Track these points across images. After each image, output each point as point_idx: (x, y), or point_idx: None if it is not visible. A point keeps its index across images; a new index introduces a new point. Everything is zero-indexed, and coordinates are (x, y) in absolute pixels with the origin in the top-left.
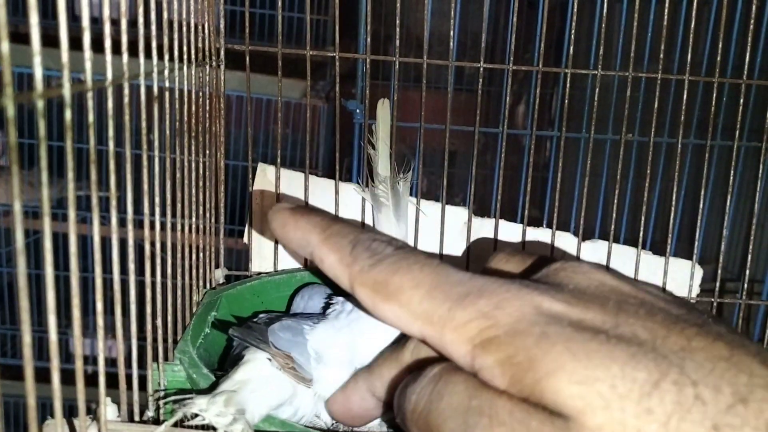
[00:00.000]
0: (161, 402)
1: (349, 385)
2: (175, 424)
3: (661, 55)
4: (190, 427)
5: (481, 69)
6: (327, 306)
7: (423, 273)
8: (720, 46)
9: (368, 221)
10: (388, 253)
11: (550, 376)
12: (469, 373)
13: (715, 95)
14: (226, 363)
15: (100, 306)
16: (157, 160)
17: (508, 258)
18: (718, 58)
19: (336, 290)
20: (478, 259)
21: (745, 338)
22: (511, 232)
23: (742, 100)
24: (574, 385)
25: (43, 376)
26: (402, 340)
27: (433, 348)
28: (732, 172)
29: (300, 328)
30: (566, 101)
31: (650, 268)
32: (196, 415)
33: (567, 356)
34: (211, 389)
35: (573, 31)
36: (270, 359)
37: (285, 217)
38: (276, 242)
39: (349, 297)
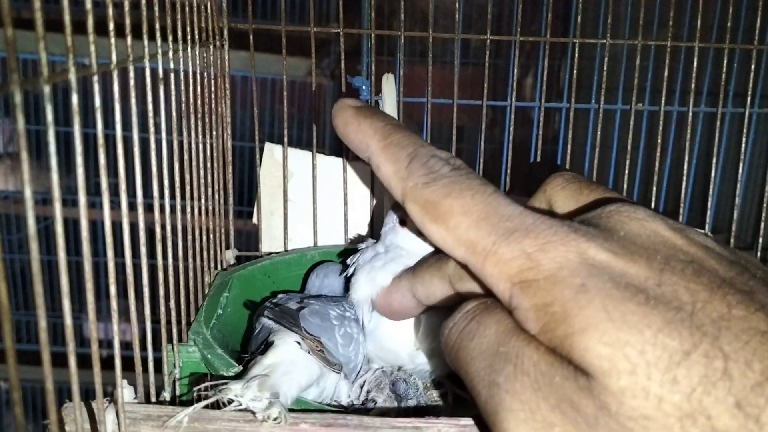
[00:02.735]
0: (195, 388)
1: (393, 283)
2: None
3: (671, 22)
4: (208, 407)
5: (488, 41)
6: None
7: (474, 200)
8: (730, 10)
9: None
10: (443, 173)
11: (581, 333)
12: (502, 316)
13: (725, 61)
14: (249, 345)
15: (113, 290)
16: (164, 142)
17: (564, 184)
18: (729, 23)
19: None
20: None
21: None
22: None
23: (753, 66)
24: (603, 345)
25: (59, 360)
26: None
27: (474, 275)
28: (744, 139)
29: (327, 313)
30: (575, 72)
31: None
32: (231, 401)
33: (602, 315)
34: (239, 375)
35: (580, 0)
36: (299, 342)
37: (348, 117)
38: (285, 222)
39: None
